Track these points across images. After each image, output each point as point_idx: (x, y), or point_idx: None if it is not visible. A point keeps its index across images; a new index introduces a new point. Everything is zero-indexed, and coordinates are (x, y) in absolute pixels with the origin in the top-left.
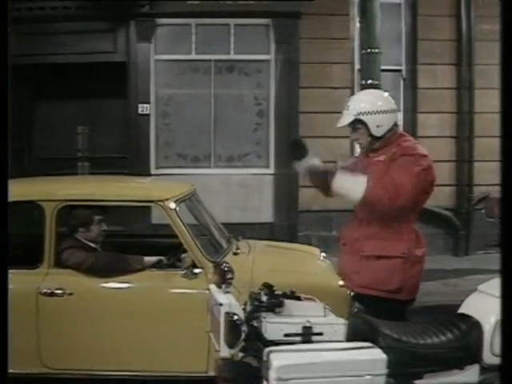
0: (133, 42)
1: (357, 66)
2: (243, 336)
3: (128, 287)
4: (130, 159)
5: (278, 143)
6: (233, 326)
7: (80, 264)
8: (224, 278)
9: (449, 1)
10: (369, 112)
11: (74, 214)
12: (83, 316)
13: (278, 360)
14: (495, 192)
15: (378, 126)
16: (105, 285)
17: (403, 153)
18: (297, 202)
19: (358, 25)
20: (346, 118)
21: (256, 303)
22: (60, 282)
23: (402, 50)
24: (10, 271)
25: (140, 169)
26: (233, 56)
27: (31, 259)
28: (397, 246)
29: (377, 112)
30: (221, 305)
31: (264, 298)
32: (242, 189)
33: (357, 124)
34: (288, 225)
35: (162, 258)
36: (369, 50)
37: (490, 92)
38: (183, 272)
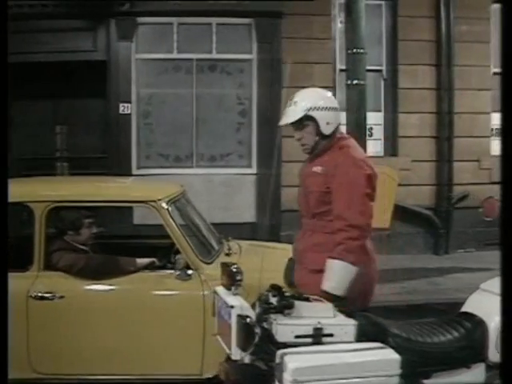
0: (113, 40)
1: (338, 66)
2: (257, 338)
3: (120, 290)
4: (111, 159)
5: (260, 143)
6: (246, 328)
7: (71, 266)
8: (233, 280)
9: (428, 2)
10: (320, 107)
11: (63, 217)
12: (74, 320)
13: (294, 362)
14: (474, 191)
15: (328, 124)
16: (96, 287)
17: (337, 166)
18: (279, 202)
19: (339, 25)
20: (295, 114)
21: (265, 305)
22: (50, 285)
23: (383, 50)
24: None
25: (121, 169)
26: (215, 55)
27: (20, 262)
28: None
29: (327, 108)
30: (232, 307)
31: (272, 300)
32: (224, 189)
33: (305, 121)
34: (270, 224)
35: (154, 259)
36: (354, 50)
37: (469, 93)
38: (177, 273)
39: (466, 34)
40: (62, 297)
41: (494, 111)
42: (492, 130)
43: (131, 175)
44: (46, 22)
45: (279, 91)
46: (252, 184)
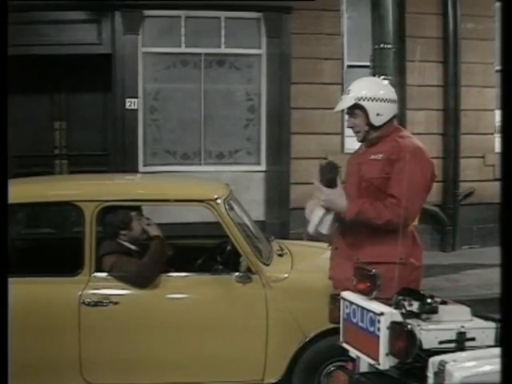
0: (119, 33)
1: (346, 62)
2: (419, 344)
3: (178, 294)
4: (115, 156)
5: (269, 140)
6: (408, 335)
7: (126, 271)
8: (375, 285)
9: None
10: (370, 98)
11: (112, 216)
12: (129, 327)
13: (460, 371)
14: (478, 188)
15: (377, 115)
16: (153, 293)
17: (401, 152)
18: (288, 200)
19: (346, 21)
20: (346, 102)
21: (403, 311)
22: (103, 290)
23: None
24: (50, 279)
25: (126, 166)
26: (223, 50)
27: (70, 265)
28: (394, 252)
29: (378, 99)
30: (382, 314)
31: (406, 305)
32: (232, 186)
33: (356, 109)
34: (280, 222)
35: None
36: (382, 46)
37: (474, 90)
38: (238, 276)
39: (473, 31)
40: (116, 303)
41: (499, 108)
42: (496, 126)
43: (138, 173)
44: (47, 13)
45: (288, 87)
46: (261, 181)
